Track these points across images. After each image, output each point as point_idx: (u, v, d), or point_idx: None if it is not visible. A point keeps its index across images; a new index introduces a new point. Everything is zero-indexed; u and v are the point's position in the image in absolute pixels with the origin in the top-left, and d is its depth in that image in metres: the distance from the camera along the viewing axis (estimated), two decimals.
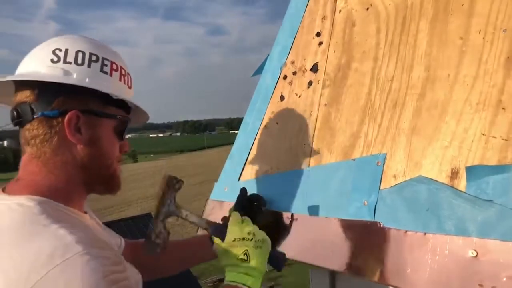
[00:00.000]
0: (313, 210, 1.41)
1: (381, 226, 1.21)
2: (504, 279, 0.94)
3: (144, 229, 18.26)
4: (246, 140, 1.78)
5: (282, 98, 1.70)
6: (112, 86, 1.06)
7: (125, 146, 1.15)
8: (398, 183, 1.22)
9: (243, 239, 1.13)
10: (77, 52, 1.03)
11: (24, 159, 1.02)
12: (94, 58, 1.05)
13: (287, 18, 1.83)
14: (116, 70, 1.09)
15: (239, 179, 1.73)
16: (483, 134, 1.09)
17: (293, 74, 1.69)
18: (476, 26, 1.18)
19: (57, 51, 1.03)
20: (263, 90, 1.80)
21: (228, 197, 1.72)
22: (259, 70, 1.93)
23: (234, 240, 1.13)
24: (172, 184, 1.21)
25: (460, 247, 1.04)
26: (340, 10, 1.59)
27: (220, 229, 1.18)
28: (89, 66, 1.04)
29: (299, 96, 1.63)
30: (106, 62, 1.07)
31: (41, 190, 0.96)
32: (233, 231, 1.15)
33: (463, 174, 1.10)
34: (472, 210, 1.05)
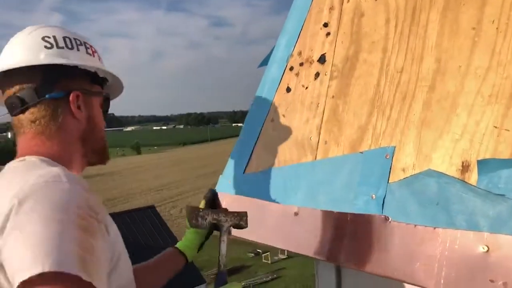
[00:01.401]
0: (320, 204, 1.39)
1: (390, 220, 1.19)
2: None
3: (147, 222, 18.36)
4: (252, 132, 1.76)
5: (288, 89, 1.68)
6: (97, 66, 1.15)
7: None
8: (407, 177, 1.20)
9: None
10: (64, 38, 1.11)
11: (24, 138, 1.07)
12: (78, 42, 1.13)
13: (294, 8, 1.80)
14: (95, 52, 1.19)
15: (244, 172, 1.71)
16: (495, 127, 1.06)
17: (300, 65, 1.66)
18: (489, 16, 1.15)
19: (46, 38, 1.09)
20: (269, 81, 1.78)
21: (233, 190, 1.70)
22: (265, 61, 1.90)
23: None
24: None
25: (470, 242, 1.02)
26: (348, 0, 1.56)
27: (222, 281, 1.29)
28: (78, 49, 1.12)
29: (306, 87, 1.61)
30: (87, 45, 1.16)
31: (44, 156, 1.03)
32: None
33: (474, 168, 1.08)
34: (483, 205, 1.03)
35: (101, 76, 1.17)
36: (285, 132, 1.63)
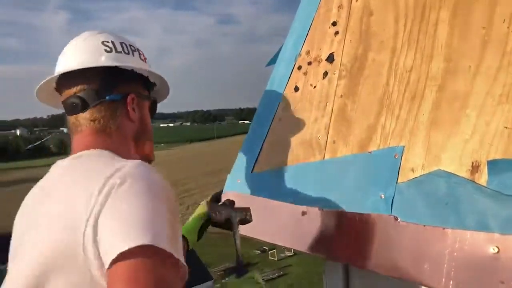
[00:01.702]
0: (328, 204, 1.39)
1: (398, 220, 1.19)
2: None
3: None
4: (259, 131, 1.76)
5: (296, 89, 1.67)
6: (148, 71, 1.22)
7: None
8: (416, 177, 1.19)
9: None
10: (121, 43, 1.16)
11: (81, 136, 1.10)
12: (133, 48, 1.19)
13: (302, 6, 1.79)
14: (146, 58, 1.24)
15: (252, 171, 1.71)
16: (506, 127, 1.06)
17: (308, 65, 1.66)
18: (500, 15, 1.14)
19: (105, 43, 1.14)
20: (277, 80, 1.77)
21: (241, 189, 1.71)
22: (273, 60, 1.89)
23: None
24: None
25: (480, 243, 1.02)
26: None
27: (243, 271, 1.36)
28: (133, 55, 1.18)
29: (314, 87, 1.60)
30: (140, 52, 1.22)
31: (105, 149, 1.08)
32: None
33: (484, 168, 1.07)
34: (494, 205, 1.02)
35: (151, 81, 1.24)
36: (293, 131, 1.62)
